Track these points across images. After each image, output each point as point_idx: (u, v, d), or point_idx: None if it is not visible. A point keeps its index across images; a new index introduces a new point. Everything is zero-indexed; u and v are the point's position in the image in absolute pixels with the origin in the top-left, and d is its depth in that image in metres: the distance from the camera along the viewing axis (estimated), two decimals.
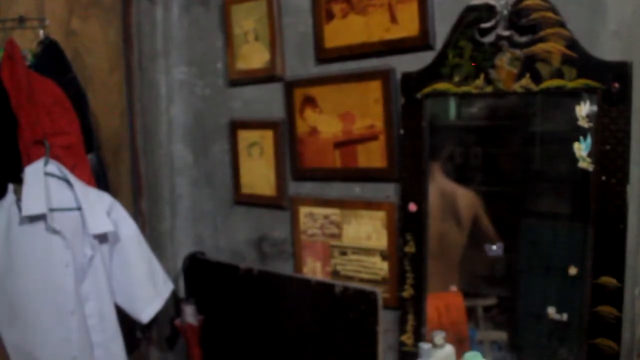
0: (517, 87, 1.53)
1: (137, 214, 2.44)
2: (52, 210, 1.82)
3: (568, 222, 1.62)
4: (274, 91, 2.13)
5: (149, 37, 2.40)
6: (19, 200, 1.80)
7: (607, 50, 1.44)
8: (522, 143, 1.72)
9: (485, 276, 1.82)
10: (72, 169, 1.92)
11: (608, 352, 1.44)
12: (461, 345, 1.73)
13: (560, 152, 1.54)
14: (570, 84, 1.45)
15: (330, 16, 1.91)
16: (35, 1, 2.13)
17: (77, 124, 2.00)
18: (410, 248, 1.77)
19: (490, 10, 1.55)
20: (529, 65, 1.51)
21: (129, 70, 2.42)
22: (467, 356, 1.60)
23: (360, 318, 1.84)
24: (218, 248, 2.45)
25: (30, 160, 1.87)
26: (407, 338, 1.80)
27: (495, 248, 1.68)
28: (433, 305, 1.80)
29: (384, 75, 1.80)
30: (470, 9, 1.59)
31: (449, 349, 1.66)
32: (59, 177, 1.87)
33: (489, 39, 1.57)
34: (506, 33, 1.54)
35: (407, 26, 1.74)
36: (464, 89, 1.62)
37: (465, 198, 1.81)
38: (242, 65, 2.21)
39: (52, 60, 2.05)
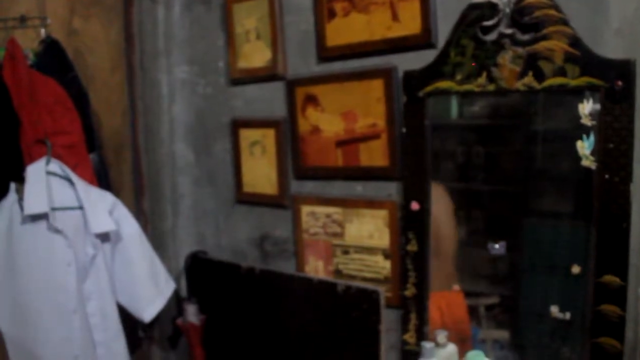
0: (519, 85, 1.53)
1: (139, 213, 2.43)
2: (54, 209, 1.82)
3: (571, 221, 1.62)
4: (276, 90, 2.13)
5: (151, 36, 2.40)
6: (20, 199, 1.80)
7: (610, 48, 1.43)
8: (524, 141, 1.72)
9: (487, 275, 1.81)
10: (74, 168, 1.92)
11: (611, 351, 1.43)
12: (464, 344, 1.73)
13: (563, 150, 1.54)
14: (573, 82, 1.45)
15: (332, 14, 1.90)
16: (36, 0, 2.13)
17: (79, 123, 2.00)
18: (412, 247, 1.77)
19: (492, 8, 1.55)
20: (531, 63, 1.50)
21: (131, 69, 2.42)
22: (470, 355, 1.60)
23: (363, 317, 1.83)
24: (220, 247, 2.44)
25: (32, 160, 1.87)
26: (410, 337, 1.80)
27: (497, 247, 1.68)
28: (435, 304, 1.80)
29: (386, 74, 1.79)
30: (473, 6, 1.58)
31: (452, 348, 1.65)
32: (60, 176, 1.87)
33: (492, 37, 1.57)
34: (508, 31, 1.53)
35: (409, 24, 1.73)
36: (466, 87, 1.62)
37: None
38: (243, 64, 2.21)
39: (53, 59, 2.05)
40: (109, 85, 2.37)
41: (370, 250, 1.92)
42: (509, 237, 1.69)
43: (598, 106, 1.43)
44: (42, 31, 2.05)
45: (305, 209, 2.07)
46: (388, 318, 1.84)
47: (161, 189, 2.48)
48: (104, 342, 1.91)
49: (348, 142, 1.92)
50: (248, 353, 2.21)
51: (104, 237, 1.92)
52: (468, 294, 1.81)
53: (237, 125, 2.28)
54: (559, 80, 1.47)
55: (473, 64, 1.60)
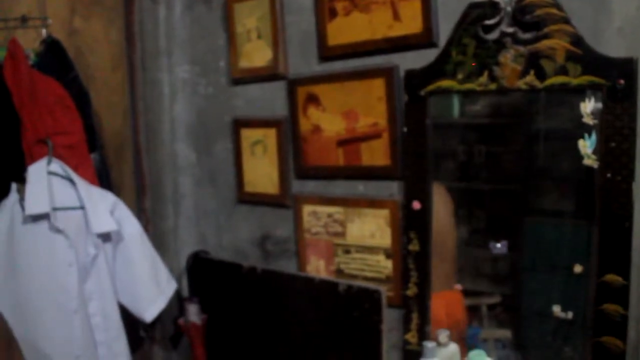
0: (521, 84, 1.52)
1: (140, 213, 2.43)
2: (55, 209, 1.82)
3: (573, 220, 1.62)
4: (277, 89, 2.13)
5: (152, 35, 2.40)
6: (22, 199, 1.80)
7: (612, 46, 1.43)
8: (526, 140, 1.71)
9: (489, 274, 1.81)
10: (75, 168, 1.92)
11: (614, 350, 1.43)
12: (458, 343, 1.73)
13: (565, 149, 1.54)
14: (575, 81, 1.44)
15: (333, 14, 1.90)
16: (37, 0, 2.12)
17: (80, 123, 2.00)
18: (414, 246, 1.77)
19: (494, 7, 1.54)
20: (533, 62, 1.50)
21: (132, 69, 2.42)
22: (472, 355, 1.60)
23: (364, 316, 1.83)
24: (221, 247, 2.44)
25: (33, 160, 1.87)
26: (411, 336, 1.80)
27: (499, 246, 1.68)
28: (436, 303, 1.80)
29: (387, 73, 1.79)
30: (474, 5, 1.58)
31: (453, 347, 1.65)
32: (62, 176, 1.87)
33: (493, 35, 1.57)
34: (510, 30, 1.53)
35: (410, 23, 1.73)
36: (468, 86, 1.62)
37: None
38: (244, 63, 2.21)
39: (54, 59, 2.04)
40: (110, 85, 2.36)
41: (371, 249, 1.91)
42: (510, 236, 1.69)
43: (600, 105, 1.42)
44: (43, 31, 2.05)
45: (307, 209, 2.07)
46: (389, 317, 1.83)
47: (162, 188, 2.48)
48: (105, 342, 1.91)
49: (349, 142, 1.92)
50: (249, 353, 2.21)
51: (106, 237, 1.92)
52: (470, 293, 1.81)
53: (239, 124, 2.28)
54: (560, 79, 1.46)
55: (472, 64, 1.60)
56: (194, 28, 2.41)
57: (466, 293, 1.81)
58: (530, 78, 1.51)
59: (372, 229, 1.90)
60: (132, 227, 2.01)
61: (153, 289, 2.03)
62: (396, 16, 1.76)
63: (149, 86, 2.42)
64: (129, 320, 2.03)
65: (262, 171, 2.21)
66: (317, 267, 2.07)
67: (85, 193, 1.87)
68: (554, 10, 1.46)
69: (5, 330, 1.82)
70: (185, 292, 2.45)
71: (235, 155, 2.31)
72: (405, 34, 1.75)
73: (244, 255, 2.35)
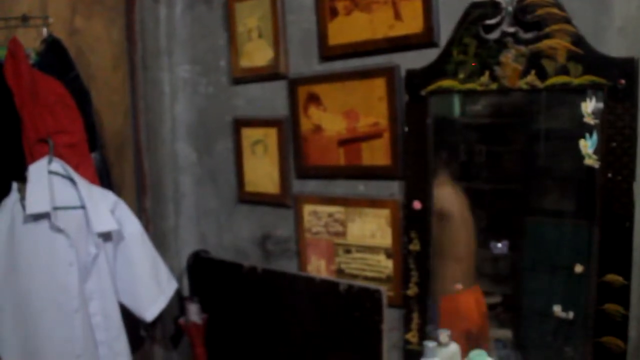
0: (522, 84, 1.52)
1: (140, 212, 2.43)
2: (56, 208, 1.82)
3: (574, 220, 1.62)
4: (278, 89, 2.13)
5: (153, 35, 2.40)
6: (22, 198, 1.80)
7: (613, 46, 1.43)
8: (527, 140, 1.71)
9: (490, 274, 1.81)
10: (76, 168, 1.92)
11: (614, 350, 1.43)
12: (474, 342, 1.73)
13: (566, 149, 1.53)
14: (576, 81, 1.44)
15: (334, 13, 1.90)
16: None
17: (81, 122, 2.00)
18: (414, 246, 1.77)
19: (495, 7, 1.54)
20: (534, 62, 1.50)
21: (133, 68, 2.42)
22: (472, 354, 1.60)
23: (365, 316, 1.83)
24: (222, 246, 2.44)
25: (34, 159, 1.87)
26: (412, 336, 1.80)
27: (500, 246, 1.68)
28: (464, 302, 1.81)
29: (388, 73, 1.79)
30: (475, 5, 1.58)
31: (454, 347, 1.65)
32: (62, 176, 1.87)
33: (494, 35, 1.56)
34: (511, 29, 1.53)
35: (411, 23, 1.73)
36: (469, 86, 1.62)
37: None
38: (245, 63, 2.21)
39: (55, 58, 2.05)
40: (111, 84, 2.37)
41: (372, 249, 1.91)
42: (511, 236, 1.69)
43: (601, 105, 1.42)
44: (44, 30, 2.05)
45: (308, 208, 2.07)
46: (390, 317, 1.83)
47: (163, 188, 2.48)
48: (106, 342, 1.91)
49: (350, 141, 1.92)
50: (250, 352, 2.21)
51: (106, 237, 1.92)
52: None
53: (239, 124, 2.28)
54: (561, 79, 1.46)
55: (472, 63, 1.60)
56: (194, 27, 2.41)
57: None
58: (531, 78, 1.51)
59: (372, 228, 1.90)
60: (132, 226, 2.01)
61: (154, 289, 2.03)
62: (397, 16, 1.76)
63: (149, 85, 2.42)
64: (130, 319, 2.03)
65: (263, 171, 2.21)
66: (318, 267, 2.07)
67: (86, 192, 1.87)
68: (555, 10, 1.46)
69: None
70: (186, 291, 2.45)
71: (235, 154, 2.31)
72: (406, 33, 1.75)
73: (244, 254, 2.35)
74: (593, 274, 1.47)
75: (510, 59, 1.54)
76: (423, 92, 1.70)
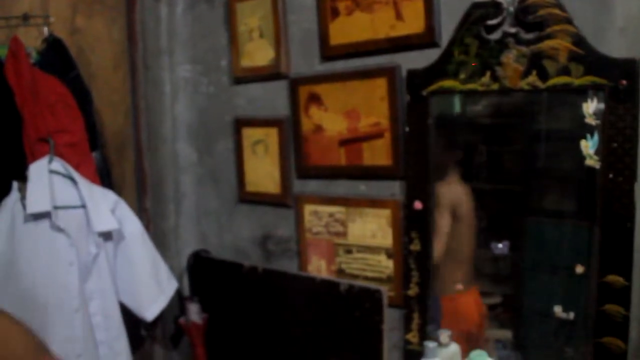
0: (523, 84, 1.52)
1: (141, 212, 2.44)
2: (56, 208, 1.82)
3: (574, 221, 1.62)
4: (279, 89, 2.13)
5: (153, 34, 2.40)
6: (23, 198, 1.80)
7: (614, 47, 1.43)
8: (528, 141, 1.71)
9: (490, 274, 1.81)
10: (77, 167, 1.92)
11: (615, 351, 1.43)
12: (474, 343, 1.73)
13: (567, 149, 1.53)
14: (577, 81, 1.44)
15: (335, 13, 1.90)
16: None
17: (81, 121, 2.00)
18: (415, 246, 1.77)
19: (496, 7, 1.54)
20: (535, 62, 1.50)
21: (133, 67, 2.42)
22: (473, 355, 1.59)
23: (365, 316, 1.83)
24: (222, 246, 2.44)
25: (34, 158, 1.87)
26: (413, 336, 1.80)
27: (501, 246, 1.67)
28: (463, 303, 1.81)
29: (389, 73, 1.79)
30: (476, 5, 1.58)
31: (454, 347, 1.65)
32: (63, 175, 1.87)
33: (495, 36, 1.56)
34: (512, 30, 1.53)
35: (413, 23, 1.73)
36: (470, 86, 1.61)
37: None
38: (246, 62, 2.21)
39: (56, 57, 2.05)
40: (112, 83, 2.37)
41: (373, 249, 1.91)
42: (512, 236, 1.69)
43: (602, 105, 1.42)
44: (45, 29, 2.06)
45: (308, 208, 2.07)
46: (391, 317, 1.83)
47: (163, 187, 2.48)
48: (106, 342, 1.91)
49: (351, 141, 1.91)
50: (250, 352, 2.21)
51: (107, 236, 1.92)
52: None
53: (240, 124, 2.28)
54: (562, 80, 1.46)
55: (473, 64, 1.60)
56: (195, 27, 2.41)
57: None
58: (533, 78, 1.51)
59: (373, 228, 1.90)
60: (133, 226, 2.01)
61: (154, 288, 2.04)
62: (398, 16, 1.75)
63: (150, 85, 2.42)
64: (130, 319, 2.03)
65: (264, 171, 2.21)
66: (319, 267, 2.07)
67: (86, 192, 1.87)
68: (557, 11, 1.46)
69: None
70: (186, 291, 2.45)
71: (236, 154, 2.31)
72: (407, 33, 1.75)
73: (245, 254, 2.35)
74: (594, 274, 1.47)
75: (511, 59, 1.54)
76: (424, 92, 1.70)
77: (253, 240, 2.33)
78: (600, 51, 1.41)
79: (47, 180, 1.81)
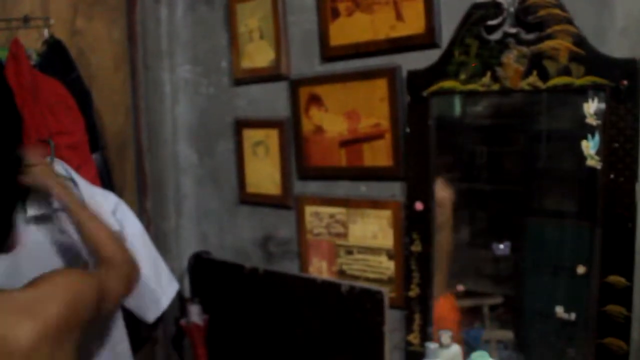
0: (524, 84, 1.52)
1: (141, 213, 2.44)
2: (57, 210, 1.82)
3: (576, 221, 1.61)
4: (279, 90, 2.13)
5: (154, 35, 2.40)
6: (24, 200, 1.80)
7: (615, 47, 1.42)
8: (529, 141, 1.71)
9: (491, 275, 1.81)
10: (77, 168, 1.92)
11: (617, 351, 1.43)
12: None
13: (568, 150, 1.53)
14: (578, 82, 1.44)
15: (336, 14, 1.90)
16: (40, 0, 2.13)
17: (82, 123, 2.00)
18: (416, 247, 1.76)
19: (496, 8, 1.54)
20: (536, 63, 1.50)
21: (134, 69, 2.42)
22: (474, 356, 1.59)
23: (367, 318, 1.83)
24: (223, 247, 2.44)
25: None
26: (414, 338, 1.80)
27: (502, 247, 1.67)
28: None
29: (390, 74, 1.79)
30: (477, 6, 1.58)
31: (456, 348, 1.65)
32: (64, 177, 1.87)
33: (496, 36, 1.56)
34: (513, 30, 1.53)
35: (413, 24, 1.73)
36: (471, 87, 1.61)
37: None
38: (247, 63, 2.21)
39: (56, 59, 2.05)
40: (112, 85, 2.37)
41: (374, 250, 1.91)
42: (513, 237, 1.69)
43: (603, 105, 1.42)
44: (45, 31, 2.06)
45: (309, 210, 2.07)
46: (392, 318, 1.83)
47: (164, 189, 2.48)
48: (107, 343, 1.90)
49: (352, 142, 1.91)
50: (251, 353, 2.21)
51: None
52: (472, 294, 1.81)
53: (241, 125, 2.28)
54: (563, 80, 1.46)
55: (474, 64, 1.60)
56: (196, 28, 2.41)
57: (468, 294, 1.80)
58: (533, 79, 1.51)
59: (374, 229, 1.90)
60: (133, 227, 2.00)
61: (155, 290, 2.03)
62: (399, 16, 1.75)
63: (150, 86, 2.43)
64: (131, 320, 2.03)
65: (264, 172, 2.20)
66: (319, 268, 2.07)
67: (87, 193, 1.87)
68: (557, 11, 1.46)
69: None
70: (187, 292, 2.45)
71: (237, 155, 2.31)
72: (407, 34, 1.75)
73: (246, 256, 2.35)
74: (595, 275, 1.47)
75: (512, 59, 1.54)
76: (424, 93, 1.70)
77: (254, 242, 2.33)
78: (601, 51, 1.41)
79: None
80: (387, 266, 1.88)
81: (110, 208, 1.93)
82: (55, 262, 1.80)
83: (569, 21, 1.44)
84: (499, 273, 1.78)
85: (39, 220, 1.79)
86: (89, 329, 1.35)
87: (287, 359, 2.08)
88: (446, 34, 1.67)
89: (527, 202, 1.73)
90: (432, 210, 1.74)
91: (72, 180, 1.87)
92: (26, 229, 1.80)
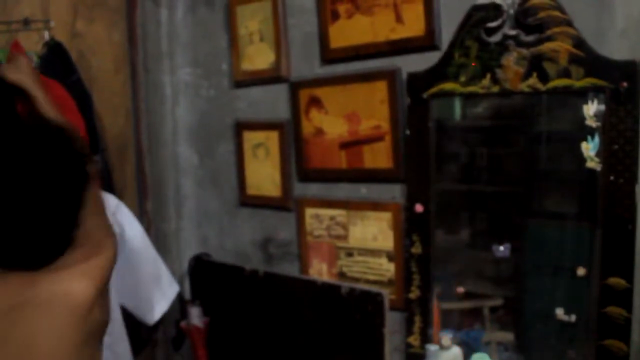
0: (523, 86, 1.52)
1: (142, 215, 2.43)
2: None
3: (576, 223, 1.62)
4: (279, 92, 2.13)
5: (154, 38, 2.40)
6: None
7: (614, 49, 1.43)
8: (529, 143, 1.71)
9: (492, 277, 1.81)
10: None
11: (617, 353, 1.43)
12: None
13: (568, 151, 1.54)
14: (578, 84, 1.44)
15: (336, 16, 1.90)
16: (40, 3, 2.13)
17: (82, 125, 2.00)
18: (416, 249, 1.76)
19: (496, 10, 1.54)
20: (535, 65, 1.50)
21: (134, 71, 2.42)
22: (475, 358, 1.60)
23: (367, 320, 1.83)
24: (223, 249, 2.44)
25: None
26: (414, 339, 1.80)
27: (502, 249, 1.67)
28: None
29: (390, 76, 1.79)
30: (477, 8, 1.58)
31: (456, 350, 1.65)
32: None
33: (496, 38, 1.57)
34: (513, 32, 1.53)
35: (413, 26, 1.73)
36: (470, 89, 1.62)
37: None
38: (247, 66, 2.21)
39: (56, 61, 2.05)
40: (112, 87, 2.37)
41: (374, 252, 1.91)
42: (513, 238, 1.69)
43: (603, 107, 1.42)
44: (46, 34, 2.05)
45: (309, 212, 2.07)
46: (392, 320, 1.83)
47: (164, 191, 2.48)
48: (107, 345, 1.90)
49: (352, 144, 1.91)
50: (251, 356, 2.21)
51: None
52: (472, 296, 1.81)
53: (241, 127, 2.28)
54: (563, 82, 1.46)
55: (473, 64, 1.60)
56: (196, 30, 2.42)
57: (468, 295, 1.80)
58: (533, 80, 1.51)
59: (374, 231, 1.90)
60: (134, 229, 2.00)
61: (155, 292, 2.03)
62: (399, 19, 1.76)
63: (151, 88, 2.42)
64: (131, 322, 2.03)
65: (265, 174, 2.21)
66: (320, 270, 2.07)
67: None
68: (557, 13, 1.46)
69: None
70: (187, 294, 2.44)
71: (237, 157, 2.31)
72: (407, 36, 1.75)
73: (246, 258, 2.35)
74: (595, 276, 1.47)
75: (511, 61, 1.54)
76: (424, 95, 1.70)
77: (254, 244, 2.33)
78: (601, 53, 1.42)
79: None
80: (388, 268, 1.88)
81: (110, 210, 1.93)
82: None
83: (569, 23, 1.44)
84: (499, 275, 1.78)
85: None
86: None
87: None
88: (446, 36, 1.67)
89: (527, 204, 1.73)
90: (432, 212, 1.74)
91: None
92: None
